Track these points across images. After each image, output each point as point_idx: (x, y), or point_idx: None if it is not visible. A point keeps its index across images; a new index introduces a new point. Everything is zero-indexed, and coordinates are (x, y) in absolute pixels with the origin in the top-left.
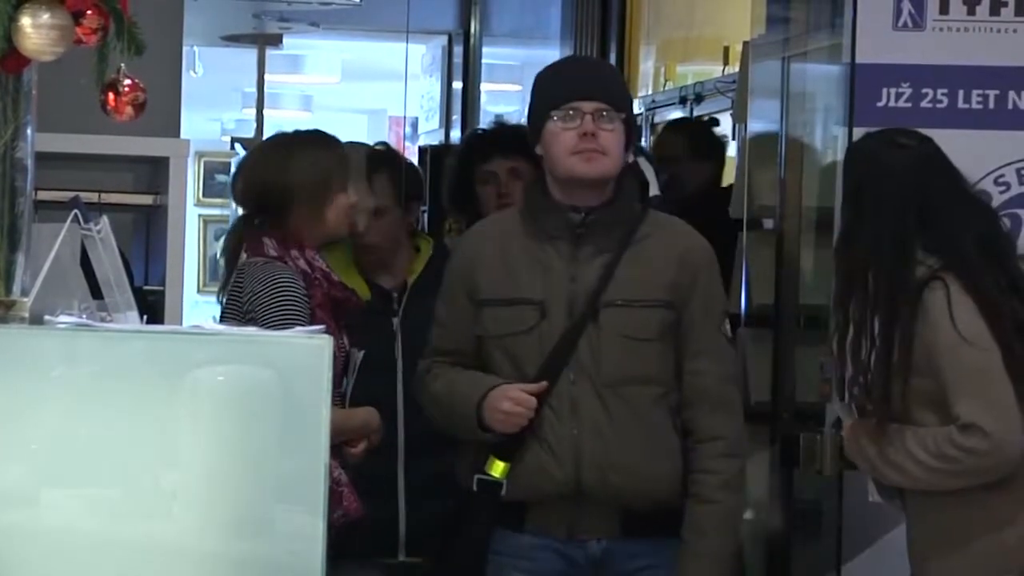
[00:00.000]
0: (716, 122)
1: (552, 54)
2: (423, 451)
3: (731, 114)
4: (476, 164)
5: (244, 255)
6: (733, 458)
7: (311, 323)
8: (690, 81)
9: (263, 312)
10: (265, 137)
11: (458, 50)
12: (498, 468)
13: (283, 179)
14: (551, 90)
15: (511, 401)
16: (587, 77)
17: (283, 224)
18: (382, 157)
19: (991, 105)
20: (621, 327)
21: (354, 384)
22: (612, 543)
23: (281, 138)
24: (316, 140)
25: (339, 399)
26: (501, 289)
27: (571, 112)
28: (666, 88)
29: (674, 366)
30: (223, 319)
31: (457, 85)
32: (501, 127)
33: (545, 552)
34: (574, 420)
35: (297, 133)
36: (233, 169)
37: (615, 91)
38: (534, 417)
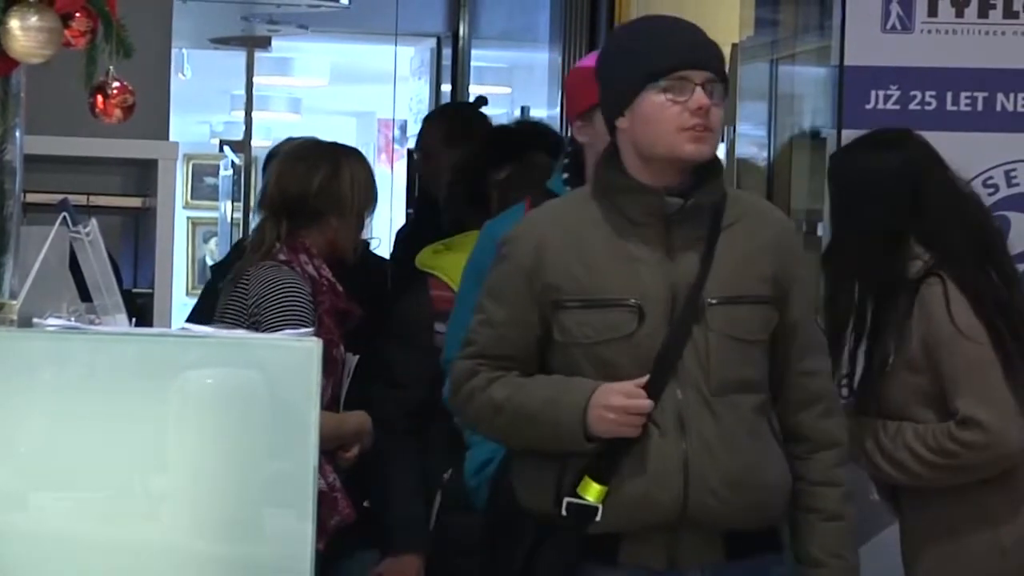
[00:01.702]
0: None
1: (541, 57)
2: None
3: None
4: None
5: (261, 258)
6: (846, 466)
7: (317, 328)
8: None
9: (269, 315)
10: (283, 144)
11: (447, 53)
12: (594, 491)
13: (329, 189)
14: (652, 54)
15: (621, 395)
16: (696, 42)
17: (319, 232)
18: None
19: (980, 107)
20: (728, 327)
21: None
22: (717, 569)
23: (319, 147)
24: (356, 153)
25: (335, 404)
26: (583, 288)
27: (680, 83)
28: None
29: (768, 367)
30: (222, 319)
31: (446, 88)
32: (520, 125)
33: None
34: (683, 437)
35: (336, 145)
36: (264, 175)
37: (721, 59)
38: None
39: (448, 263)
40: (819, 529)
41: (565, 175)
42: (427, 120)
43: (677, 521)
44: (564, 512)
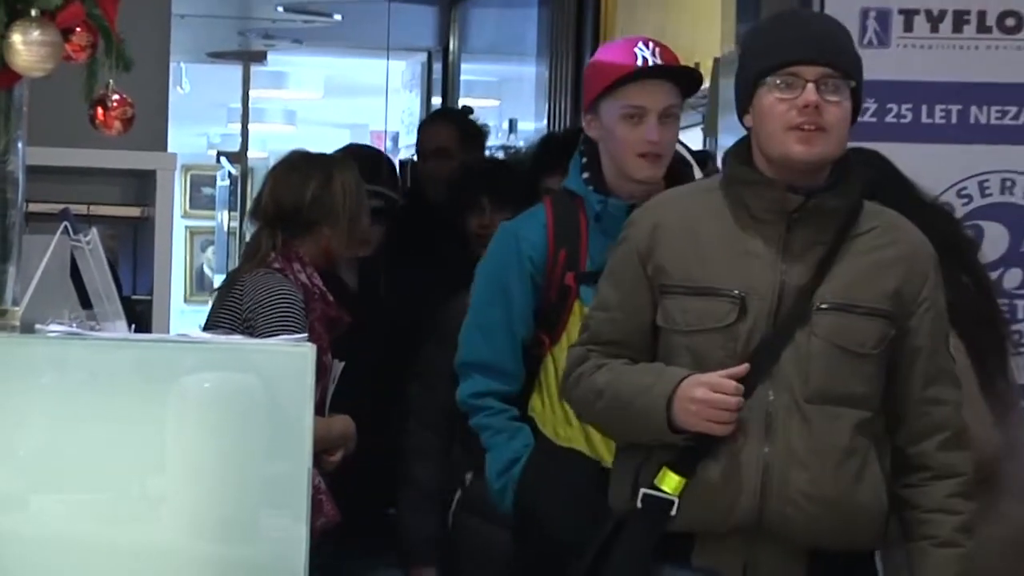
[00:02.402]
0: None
1: (529, 71)
2: None
3: (702, 128)
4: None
5: (256, 265)
6: (970, 499)
7: (309, 334)
8: None
9: (263, 320)
10: (284, 154)
11: (437, 66)
12: (672, 482)
13: (322, 200)
14: (765, 50)
15: (707, 387)
16: (812, 35)
17: (313, 241)
18: None
19: (954, 120)
20: (836, 335)
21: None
22: None
23: (312, 159)
24: (346, 161)
25: (322, 409)
26: (690, 274)
27: (790, 79)
28: None
29: (882, 388)
30: (216, 325)
31: (436, 100)
32: (568, 135)
33: None
34: (766, 440)
35: (326, 156)
36: (260, 184)
37: (844, 52)
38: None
39: None
40: (931, 555)
41: (585, 174)
42: (439, 121)
43: (753, 529)
44: (640, 504)
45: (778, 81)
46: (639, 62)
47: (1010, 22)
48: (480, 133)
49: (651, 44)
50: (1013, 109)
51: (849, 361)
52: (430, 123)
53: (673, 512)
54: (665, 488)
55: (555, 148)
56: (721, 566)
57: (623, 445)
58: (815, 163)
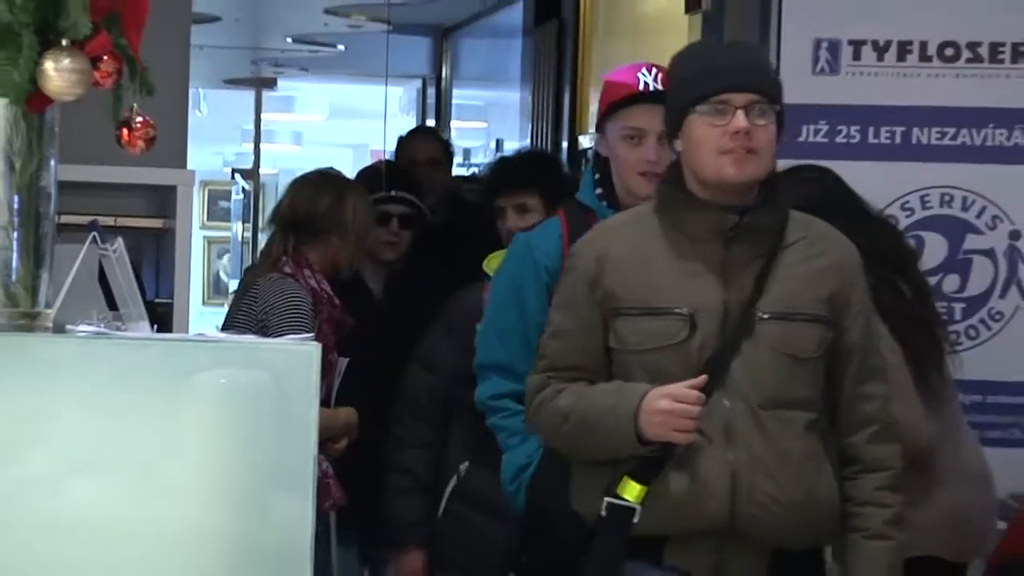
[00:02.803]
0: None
1: (513, 96)
2: None
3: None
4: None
5: (268, 270)
6: (898, 492)
7: (316, 334)
8: None
9: (275, 321)
10: (304, 171)
11: (431, 92)
12: (633, 491)
13: (334, 212)
14: (695, 79)
15: (669, 398)
16: (739, 64)
17: (322, 249)
18: None
19: (898, 140)
20: (780, 343)
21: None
22: None
23: (328, 177)
24: (361, 188)
25: (328, 401)
26: (641, 297)
27: (720, 106)
28: None
29: (823, 388)
30: (233, 325)
31: (430, 122)
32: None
33: None
34: (729, 447)
35: (344, 178)
36: (280, 196)
37: (769, 79)
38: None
39: None
40: (861, 547)
41: (598, 190)
42: (430, 135)
43: (725, 531)
44: (604, 512)
45: (709, 109)
46: (640, 86)
47: (948, 52)
48: (451, 148)
49: (654, 70)
50: (951, 130)
51: (794, 366)
52: (422, 137)
53: (636, 519)
54: (627, 497)
55: (508, 170)
56: (692, 565)
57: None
58: (747, 184)
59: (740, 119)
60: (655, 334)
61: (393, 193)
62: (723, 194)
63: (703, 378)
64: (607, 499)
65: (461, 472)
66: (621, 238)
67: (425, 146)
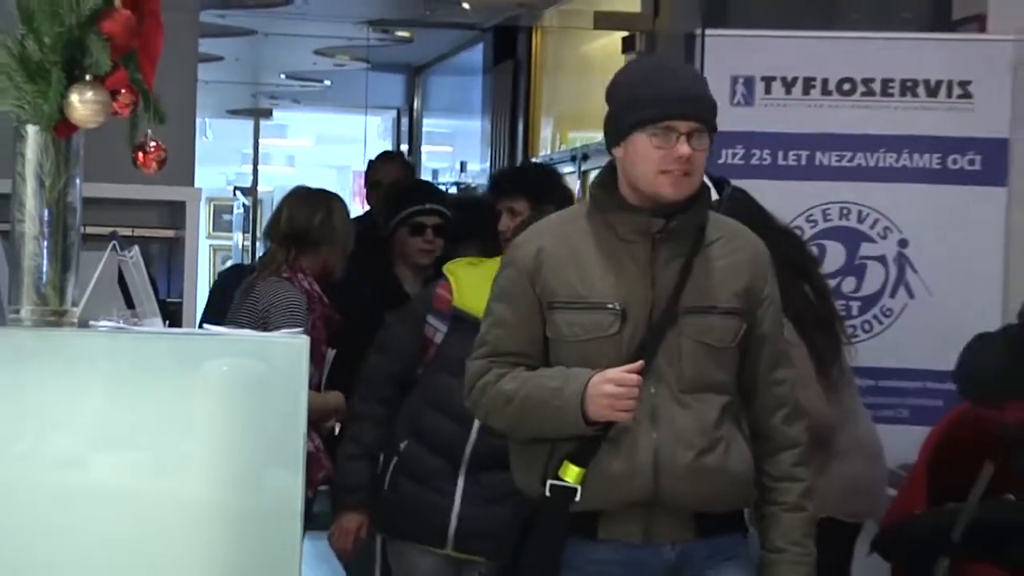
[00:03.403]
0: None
1: (475, 124)
2: (488, 464)
3: None
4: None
5: (269, 275)
6: (808, 466)
7: (311, 330)
8: (578, 144)
9: (275, 318)
10: (289, 189)
11: (404, 121)
12: (572, 473)
13: (327, 227)
14: (645, 102)
15: (612, 383)
16: (685, 94)
17: (315, 256)
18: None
19: (803, 162)
20: (700, 334)
21: (438, 385)
22: (687, 546)
23: (318, 194)
24: (340, 198)
25: (319, 386)
26: (575, 291)
27: (666, 131)
28: (560, 149)
29: (736, 372)
30: (237, 321)
31: (404, 147)
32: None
33: (620, 562)
34: (653, 427)
35: (327, 192)
36: (273, 213)
37: (708, 107)
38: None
39: (465, 274)
40: (781, 519)
41: None
42: (393, 159)
43: (650, 502)
44: (548, 493)
45: (655, 131)
46: None
47: (846, 87)
48: (413, 170)
49: None
50: (849, 154)
51: (713, 355)
52: (388, 161)
53: (577, 498)
54: (567, 479)
55: (500, 180)
56: (624, 536)
57: (526, 442)
58: (680, 201)
59: (683, 146)
60: (589, 326)
61: (427, 206)
62: (651, 200)
63: (640, 364)
64: (550, 482)
65: (401, 449)
66: (557, 236)
67: (390, 168)
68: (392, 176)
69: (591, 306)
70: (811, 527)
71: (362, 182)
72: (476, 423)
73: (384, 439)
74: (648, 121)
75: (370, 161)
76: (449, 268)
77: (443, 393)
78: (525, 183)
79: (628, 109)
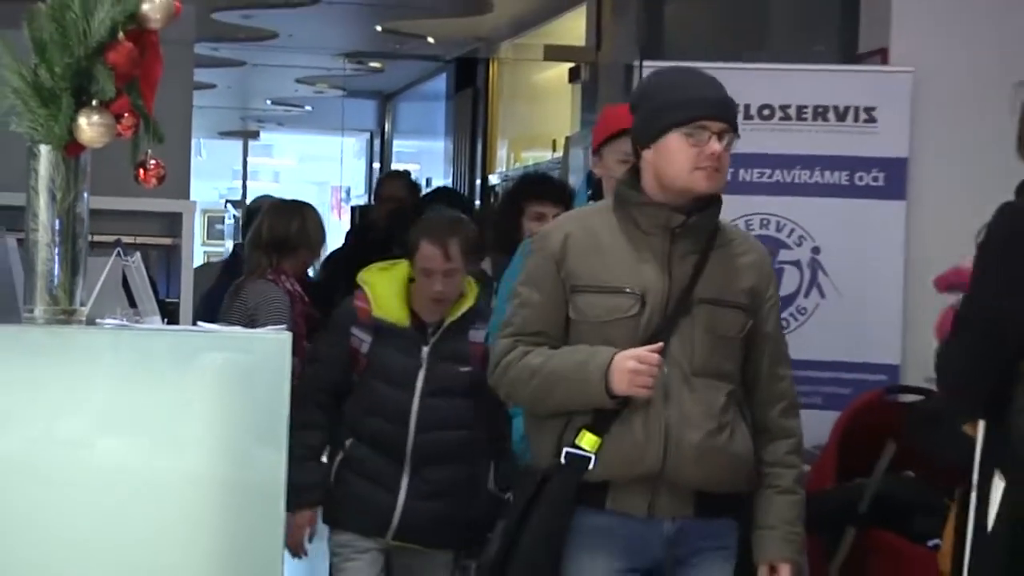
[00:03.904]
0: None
1: (439, 145)
2: (430, 460)
3: None
4: (526, 202)
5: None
6: (800, 455)
7: (293, 326)
8: (531, 163)
9: (262, 317)
10: (259, 200)
11: (377, 142)
12: (590, 441)
13: (302, 232)
14: (680, 104)
15: (635, 360)
16: (716, 98)
17: (294, 259)
18: (461, 232)
19: (730, 178)
20: (711, 324)
21: (373, 393)
22: (686, 522)
23: (292, 205)
24: (312, 207)
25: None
26: (597, 277)
27: (699, 130)
28: (514, 167)
29: (741, 363)
30: (228, 318)
31: (376, 165)
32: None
33: (623, 532)
34: (667, 407)
35: (302, 203)
36: (256, 222)
37: (734, 110)
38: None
39: (378, 281)
40: (774, 500)
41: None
42: (395, 177)
43: (657, 476)
44: (564, 460)
45: (690, 130)
46: None
47: (766, 112)
48: (418, 186)
49: None
50: (768, 171)
51: (721, 344)
52: (391, 179)
53: (591, 466)
54: (585, 446)
55: (538, 185)
56: (630, 507)
57: (544, 415)
58: (707, 196)
59: (715, 144)
60: (610, 308)
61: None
62: (677, 199)
63: (660, 345)
64: (567, 449)
65: (346, 447)
66: (583, 226)
67: (394, 184)
68: (388, 193)
69: (612, 290)
70: (802, 510)
71: (339, 196)
72: (413, 424)
73: (327, 441)
74: (684, 122)
75: (378, 179)
76: (363, 278)
77: (378, 399)
78: (555, 190)
79: (662, 111)
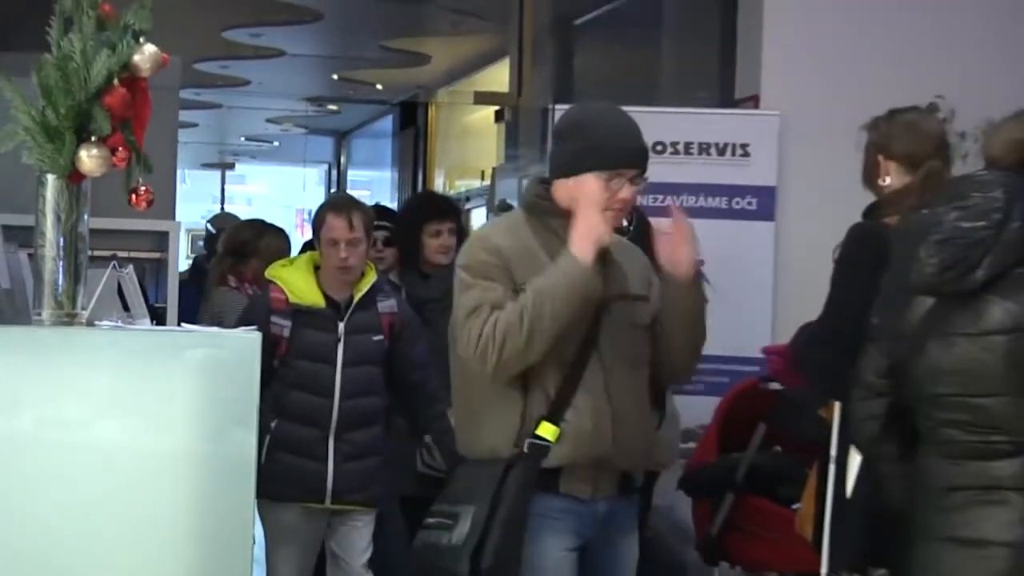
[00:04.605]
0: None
1: (387, 175)
2: (351, 425)
3: (486, 210)
4: (425, 222)
5: (218, 284)
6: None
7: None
8: (463, 190)
9: (227, 318)
10: (216, 217)
11: (334, 172)
12: (550, 432)
13: (257, 245)
14: (603, 150)
15: (584, 225)
16: (635, 147)
17: (248, 266)
18: (362, 208)
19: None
20: (628, 316)
21: (297, 370)
22: (612, 502)
23: (252, 222)
24: (275, 228)
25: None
26: (532, 277)
27: (616, 178)
28: (449, 193)
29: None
30: (201, 321)
31: (333, 191)
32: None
33: (571, 513)
34: (607, 396)
35: (265, 223)
36: (218, 234)
37: (647, 156)
38: (572, 387)
39: (288, 274)
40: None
41: None
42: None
43: (603, 460)
44: (526, 449)
45: (608, 176)
46: None
47: (659, 147)
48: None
49: None
50: (660, 197)
51: (637, 333)
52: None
53: (551, 454)
54: (545, 436)
55: (436, 205)
56: (578, 492)
57: (494, 409)
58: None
59: (627, 191)
60: None
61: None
62: None
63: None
64: (528, 440)
65: (273, 427)
66: (509, 236)
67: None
68: None
69: None
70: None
71: (302, 217)
72: (337, 393)
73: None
74: (606, 167)
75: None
76: (273, 274)
77: (303, 375)
78: (448, 209)
79: (585, 153)
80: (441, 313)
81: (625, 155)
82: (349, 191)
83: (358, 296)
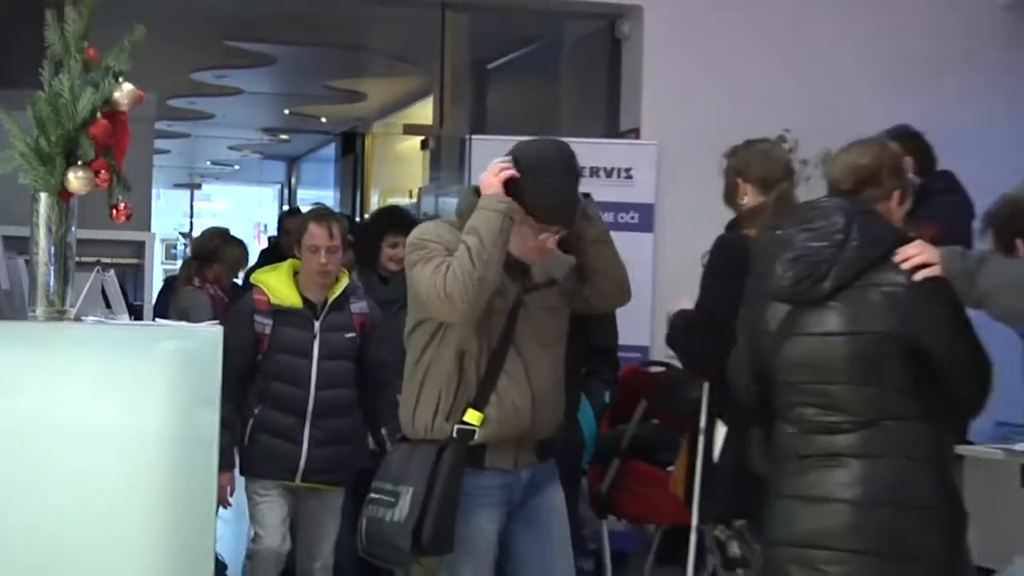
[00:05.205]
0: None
1: (330, 194)
2: (325, 413)
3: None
4: (386, 233)
5: (185, 284)
6: None
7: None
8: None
9: (193, 316)
10: (200, 233)
11: (285, 192)
12: (476, 417)
13: (223, 252)
14: (544, 206)
15: (491, 176)
16: (570, 206)
17: (211, 270)
18: (339, 219)
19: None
20: (544, 303)
21: (278, 363)
22: (534, 469)
23: (216, 231)
24: (236, 239)
25: None
26: None
27: (545, 230)
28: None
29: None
30: (170, 317)
31: (285, 207)
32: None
33: (499, 486)
34: (527, 378)
35: (224, 231)
36: (192, 242)
37: (575, 217)
38: (495, 378)
39: (270, 279)
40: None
41: None
42: (298, 213)
43: (525, 434)
44: (454, 435)
45: (541, 228)
46: None
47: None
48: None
49: None
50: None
51: (553, 317)
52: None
53: (476, 437)
54: (471, 421)
55: (396, 218)
56: (502, 464)
57: (430, 392)
58: None
59: (551, 243)
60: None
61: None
62: None
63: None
64: (457, 426)
65: (256, 413)
66: (447, 231)
67: (293, 219)
68: (294, 224)
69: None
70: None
71: (259, 229)
72: (312, 384)
73: (238, 413)
74: (541, 220)
75: (280, 215)
76: (257, 278)
77: (283, 367)
78: (406, 221)
79: (529, 195)
80: (397, 312)
81: (560, 214)
82: (300, 205)
83: (332, 298)
